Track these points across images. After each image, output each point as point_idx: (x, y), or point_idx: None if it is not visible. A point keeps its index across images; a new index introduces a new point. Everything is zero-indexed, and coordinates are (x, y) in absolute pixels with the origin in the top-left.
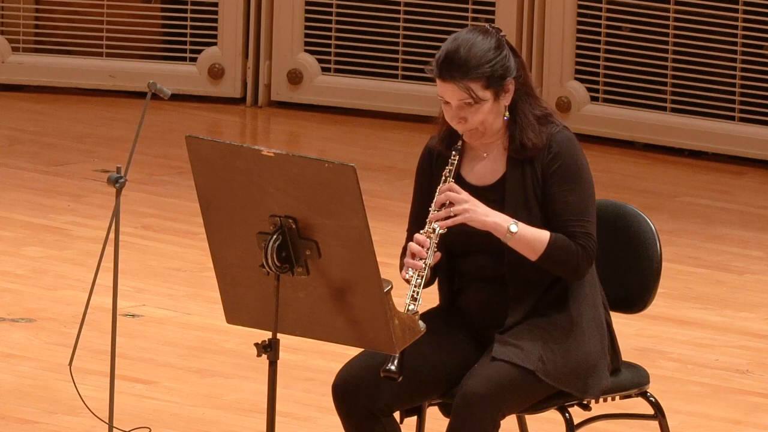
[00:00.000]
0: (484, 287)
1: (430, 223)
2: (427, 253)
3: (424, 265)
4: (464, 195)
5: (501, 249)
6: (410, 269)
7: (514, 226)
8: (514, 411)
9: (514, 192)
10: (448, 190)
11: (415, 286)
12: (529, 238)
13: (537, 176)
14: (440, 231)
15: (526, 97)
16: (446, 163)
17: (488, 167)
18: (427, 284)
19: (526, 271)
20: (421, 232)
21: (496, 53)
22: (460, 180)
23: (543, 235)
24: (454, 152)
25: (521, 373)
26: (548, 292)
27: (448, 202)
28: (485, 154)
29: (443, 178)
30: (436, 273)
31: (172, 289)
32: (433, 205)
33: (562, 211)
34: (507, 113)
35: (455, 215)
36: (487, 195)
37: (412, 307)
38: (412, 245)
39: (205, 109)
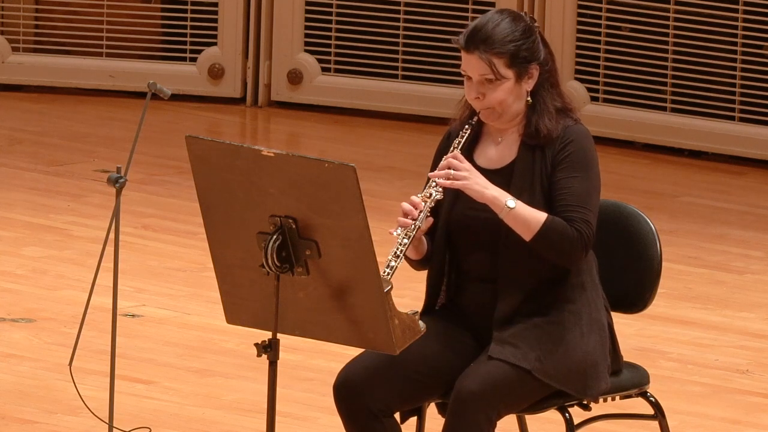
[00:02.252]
0: (485, 287)
1: (429, 187)
2: (419, 215)
3: (413, 225)
4: (466, 165)
5: (499, 247)
6: (399, 227)
7: (512, 202)
8: (511, 410)
9: (521, 175)
10: (452, 157)
11: (400, 245)
12: (526, 215)
13: (546, 164)
14: (436, 196)
15: (550, 87)
16: None
17: (500, 152)
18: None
19: (519, 272)
20: (418, 195)
21: (523, 35)
22: (470, 161)
23: (540, 215)
24: (466, 126)
25: (517, 372)
26: (548, 292)
27: (449, 169)
28: (500, 139)
29: (451, 148)
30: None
31: (172, 289)
32: (436, 171)
33: (565, 196)
34: (529, 98)
35: (455, 179)
36: (495, 178)
37: (393, 263)
38: (405, 205)
39: (205, 109)
